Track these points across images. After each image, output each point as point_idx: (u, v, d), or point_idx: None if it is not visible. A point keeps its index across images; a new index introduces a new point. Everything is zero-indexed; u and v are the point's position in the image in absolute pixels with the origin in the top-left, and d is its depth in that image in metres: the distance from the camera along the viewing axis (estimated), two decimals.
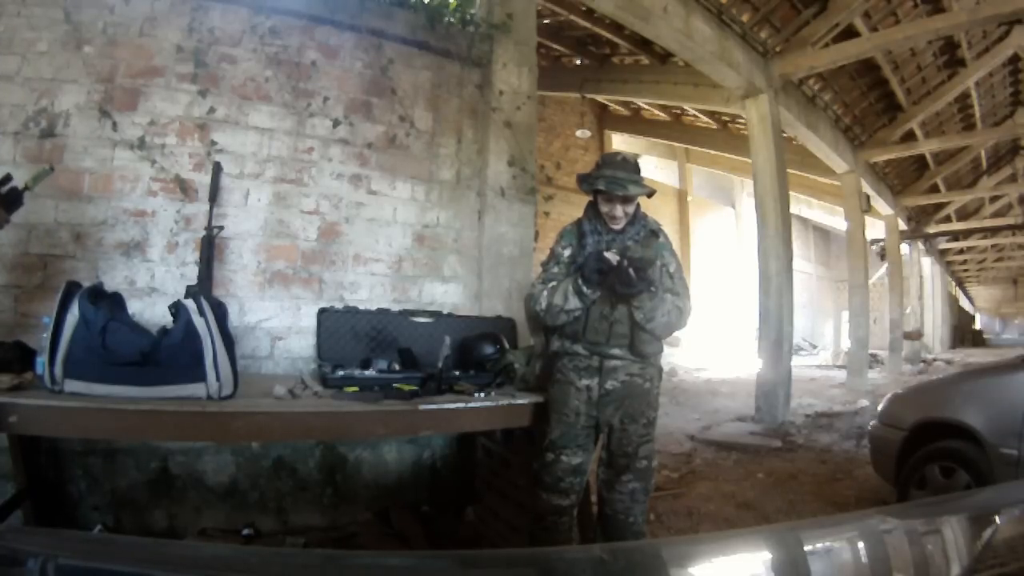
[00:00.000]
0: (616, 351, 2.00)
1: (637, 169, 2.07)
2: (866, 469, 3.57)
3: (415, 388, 2.05)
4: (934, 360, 12.70)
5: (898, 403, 3.13)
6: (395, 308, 2.76)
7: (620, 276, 1.87)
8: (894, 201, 11.48)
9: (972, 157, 10.87)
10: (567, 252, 2.09)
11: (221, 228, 2.44)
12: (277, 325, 2.60)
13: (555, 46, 7.99)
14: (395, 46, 2.91)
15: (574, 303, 1.95)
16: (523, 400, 2.15)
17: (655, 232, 2.09)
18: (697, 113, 9.76)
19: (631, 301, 1.93)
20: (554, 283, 2.01)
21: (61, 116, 2.29)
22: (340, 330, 2.56)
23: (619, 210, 2.02)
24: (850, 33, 6.15)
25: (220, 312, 1.84)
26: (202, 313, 1.77)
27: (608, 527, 2.03)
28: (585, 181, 2.09)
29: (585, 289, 1.93)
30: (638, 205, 2.09)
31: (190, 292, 2.20)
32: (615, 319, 1.98)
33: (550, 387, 2.07)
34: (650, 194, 2.05)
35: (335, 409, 1.88)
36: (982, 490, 1.97)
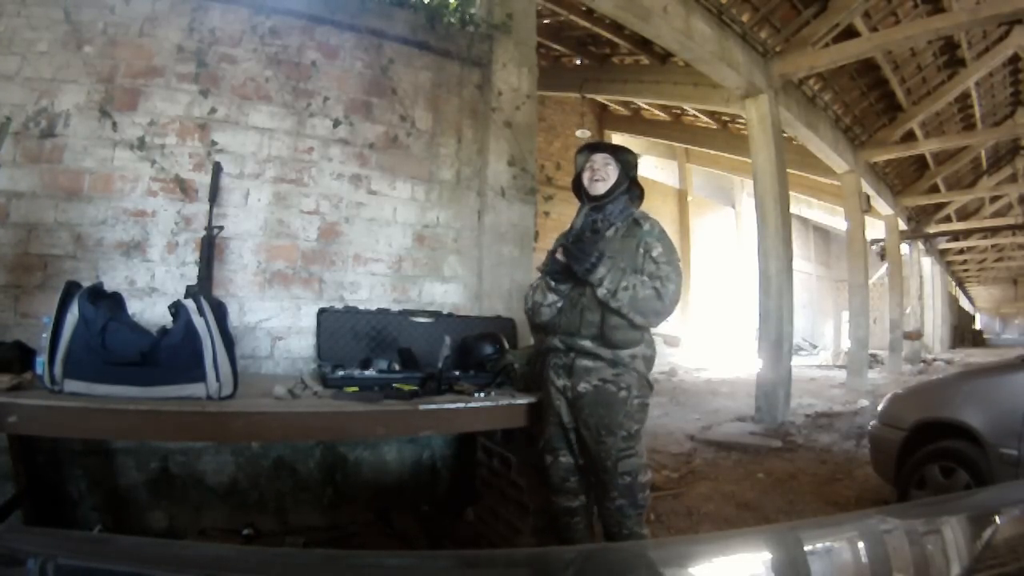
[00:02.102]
0: (587, 343, 1.89)
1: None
2: (866, 469, 3.57)
3: (415, 388, 2.05)
4: (934, 360, 12.70)
5: (898, 403, 3.13)
6: (395, 308, 2.77)
7: (571, 256, 1.84)
8: (894, 201, 11.48)
9: (972, 157, 10.87)
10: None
11: (221, 228, 2.44)
12: (277, 325, 2.60)
13: (555, 46, 8.00)
14: (395, 46, 2.92)
15: (551, 297, 1.95)
16: (523, 400, 2.15)
17: (637, 221, 1.99)
18: (697, 113, 9.77)
19: (592, 280, 1.84)
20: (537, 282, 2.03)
21: (61, 116, 2.29)
22: (340, 330, 2.56)
23: (599, 162, 2.00)
24: (850, 33, 6.15)
25: (220, 312, 1.84)
26: (202, 313, 1.77)
27: (607, 537, 1.95)
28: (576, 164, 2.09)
29: (551, 282, 1.93)
30: (625, 191, 2.04)
31: (190, 292, 2.20)
32: (584, 304, 1.90)
33: (542, 388, 2.04)
34: (624, 155, 2.06)
35: (335, 409, 1.88)
36: (982, 490, 1.97)
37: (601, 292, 1.84)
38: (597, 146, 2.07)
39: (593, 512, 2.04)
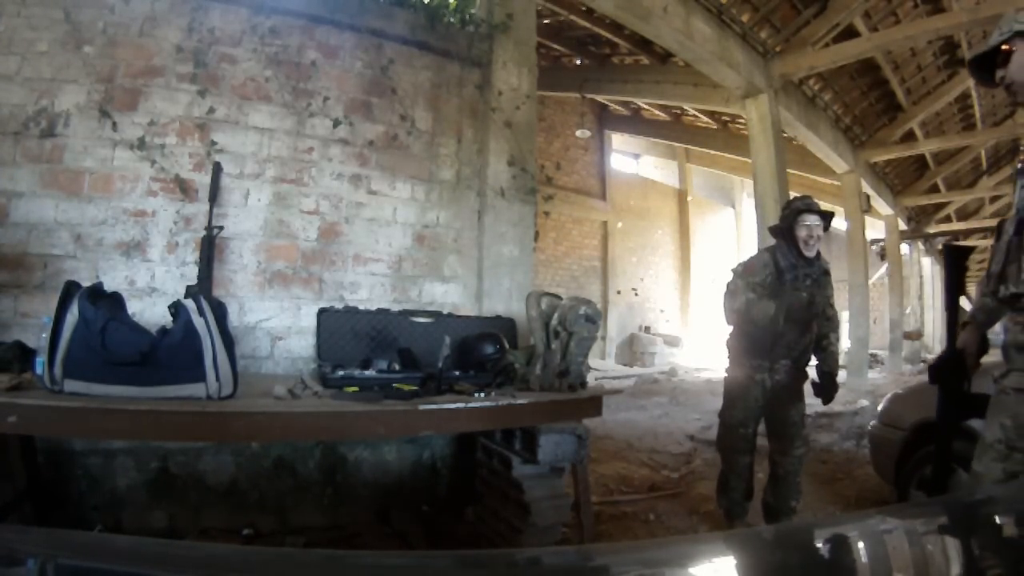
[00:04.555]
0: (784, 361, 2.60)
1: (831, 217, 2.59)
2: (866, 469, 3.56)
3: (415, 388, 2.05)
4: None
5: (898, 403, 3.13)
6: (395, 308, 2.77)
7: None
8: (894, 201, 11.48)
9: (972, 157, 10.87)
10: (768, 278, 2.55)
11: (221, 228, 2.45)
12: (277, 325, 2.60)
13: (555, 46, 8.00)
14: (395, 46, 2.92)
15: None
16: (523, 400, 2.15)
17: (826, 271, 2.63)
18: (697, 113, 9.77)
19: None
20: (753, 296, 2.50)
21: (61, 116, 2.29)
22: (340, 330, 2.56)
23: (815, 231, 2.49)
24: (850, 33, 6.15)
25: (220, 312, 1.84)
26: (202, 313, 1.77)
27: (780, 486, 2.64)
28: (786, 216, 2.57)
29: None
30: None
31: (190, 292, 2.20)
32: (799, 348, 2.59)
33: (730, 379, 2.71)
34: (830, 223, 2.58)
35: (335, 409, 1.88)
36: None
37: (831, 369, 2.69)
38: (812, 208, 2.53)
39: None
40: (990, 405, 1.50)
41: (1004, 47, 1.40)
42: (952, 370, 1.64)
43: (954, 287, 1.77)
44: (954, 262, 1.80)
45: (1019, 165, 1.48)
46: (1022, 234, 1.35)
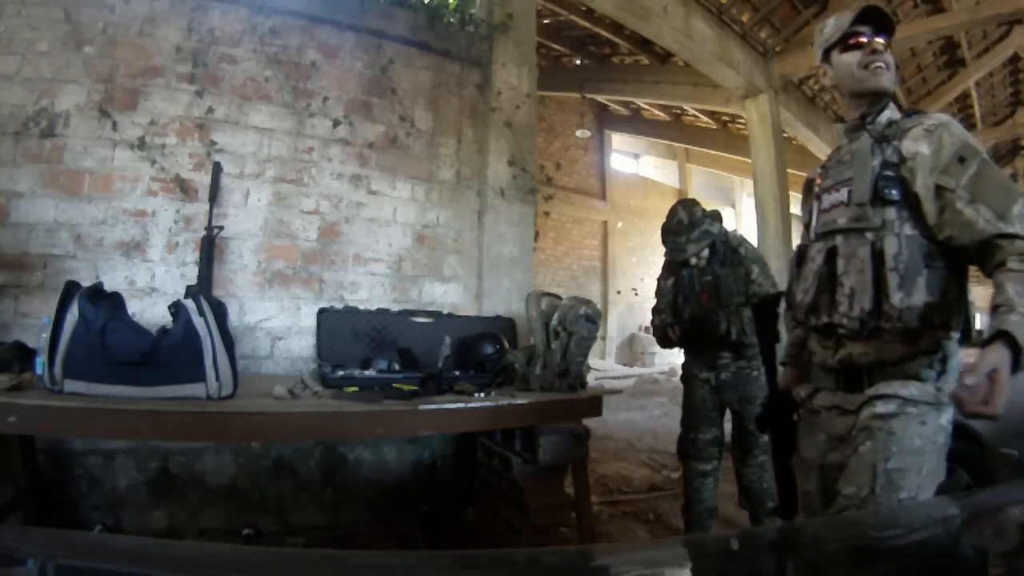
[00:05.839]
0: (724, 353, 2.42)
1: (692, 223, 2.38)
2: None
3: (415, 388, 2.05)
4: None
5: None
6: (395, 308, 2.77)
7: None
8: None
9: None
10: (669, 283, 2.54)
11: (221, 228, 2.45)
12: (277, 325, 2.60)
13: (555, 46, 8.00)
14: (395, 46, 2.92)
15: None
16: (523, 400, 2.15)
17: (735, 249, 2.44)
18: (697, 113, 9.77)
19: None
20: (661, 315, 2.55)
21: (61, 116, 2.29)
22: (340, 330, 2.56)
23: (693, 260, 2.43)
24: None
25: (220, 312, 1.84)
26: (202, 313, 1.77)
27: (749, 494, 2.44)
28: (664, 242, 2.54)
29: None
30: (714, 231, 2.41)
31: (190, 292, 2.20)
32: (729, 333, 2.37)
33: (683, 380, 2.58)
34: (715, 236, 2.41)
35: (335, 409, 1.88)
36: (982, 490, 1.97)
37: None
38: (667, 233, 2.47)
39: (719, 478, 2.52)
40: (801, 426, 1.43)
41: (884, 43, 1.38)
42: (777, 414, 1.60)
43: (767, 337, 1.80)
44: (763, 314, 1.85)
45: (815, 188, 1.41)
46: (833, 263, 1.28)
